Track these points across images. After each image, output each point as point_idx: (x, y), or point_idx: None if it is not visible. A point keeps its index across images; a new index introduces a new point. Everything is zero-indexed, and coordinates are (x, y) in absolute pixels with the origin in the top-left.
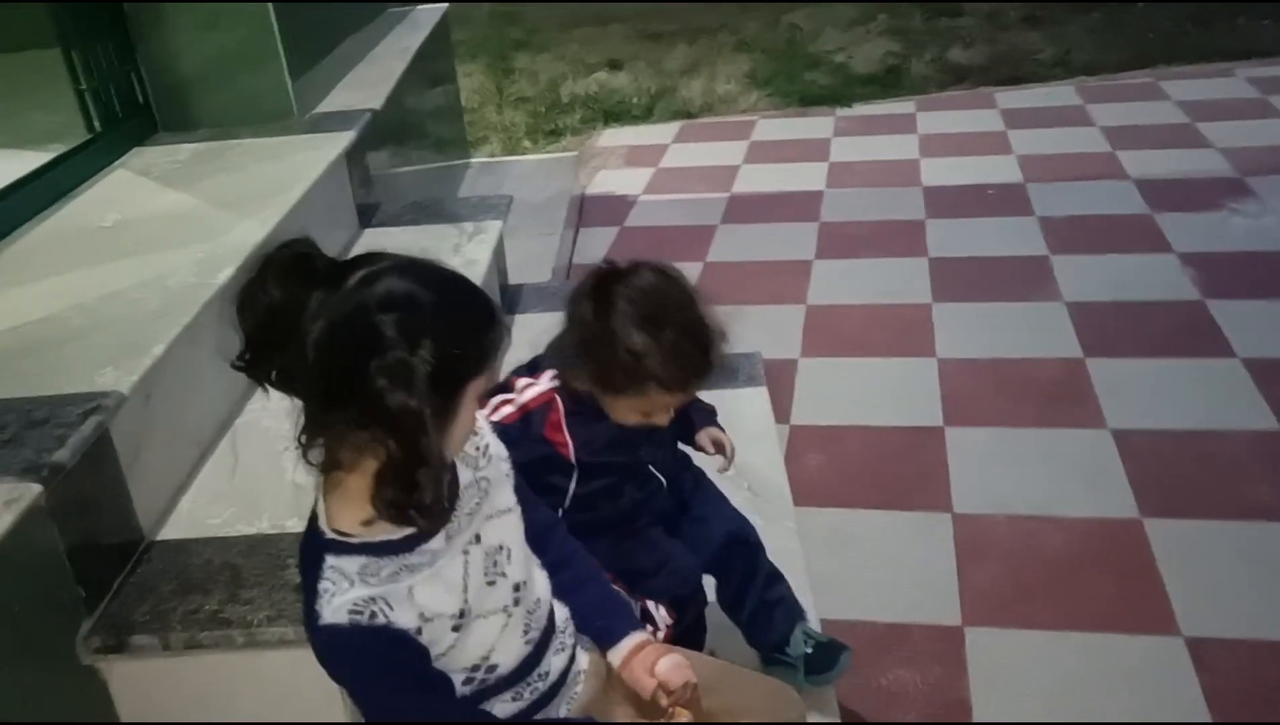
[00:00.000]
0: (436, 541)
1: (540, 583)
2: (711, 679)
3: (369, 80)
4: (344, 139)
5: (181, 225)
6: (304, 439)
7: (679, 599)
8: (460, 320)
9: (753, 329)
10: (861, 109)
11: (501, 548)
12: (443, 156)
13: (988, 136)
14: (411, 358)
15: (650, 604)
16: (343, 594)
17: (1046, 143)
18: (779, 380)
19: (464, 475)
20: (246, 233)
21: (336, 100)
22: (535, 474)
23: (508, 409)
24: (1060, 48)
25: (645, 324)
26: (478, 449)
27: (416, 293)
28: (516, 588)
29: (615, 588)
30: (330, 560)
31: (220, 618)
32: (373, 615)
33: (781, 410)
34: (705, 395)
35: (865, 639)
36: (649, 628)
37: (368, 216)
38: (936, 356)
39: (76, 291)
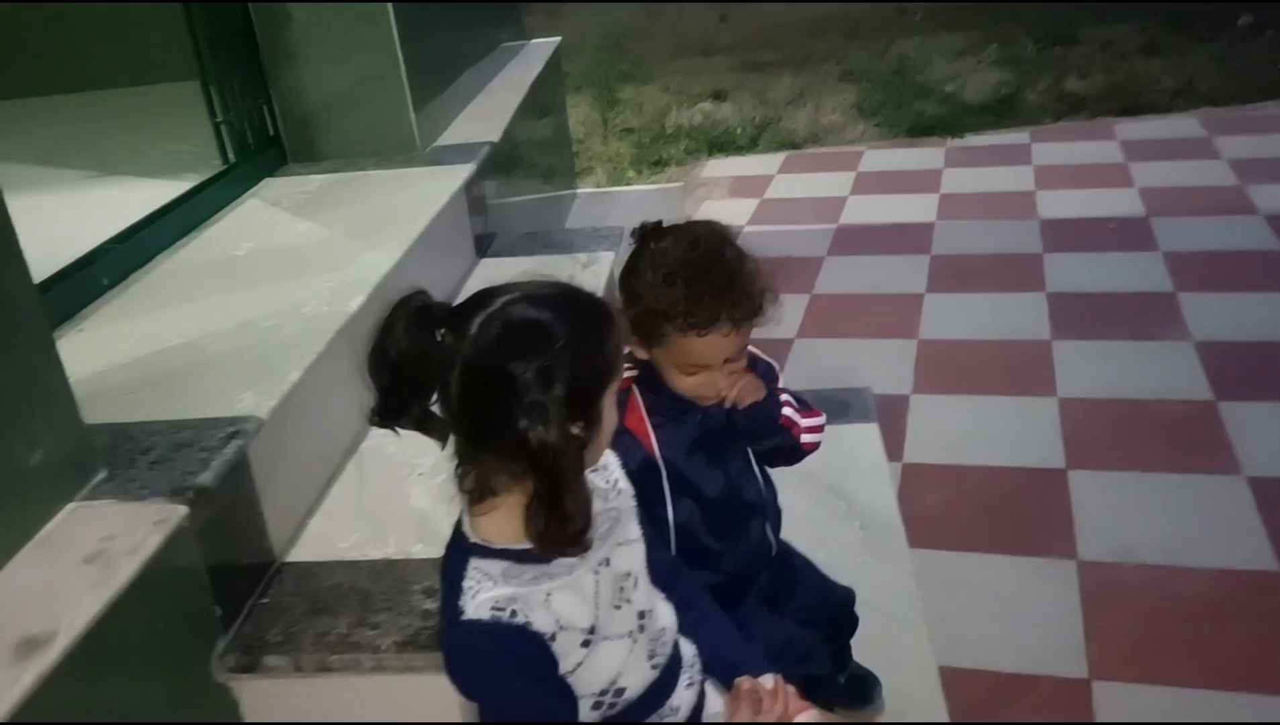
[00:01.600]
0: (573, 558)
1: (665, 614)
2: None
3: (487, 112)
4: (464, 171)
5: (312, 255)
6: (458, 471)
7: (809, 677)
8: (584, 336)
9: (863, 363)
10: (973, 139)
11: (629, 574)
12: (552, 187)
13: (1107, 168)
14: (546, 396)
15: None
16: (487, 591)
17: (1170, 175)
18: (891, 416)
19: (596, 503)
20: (374, 263)
21: (457, 132)
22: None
23: None
24: (1181, 77)
25: (661, 260)
26: (607, 482)
27: (537, 323)
28: (641, 614)
29: (739, 631)
30: (475, 562)
31: (349, 641)
32: (514, 614)
33: (894, 448)
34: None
35: (987, 688)
36: None
37: (484, 246)
38: (1057, 395)
39: (214, 319)
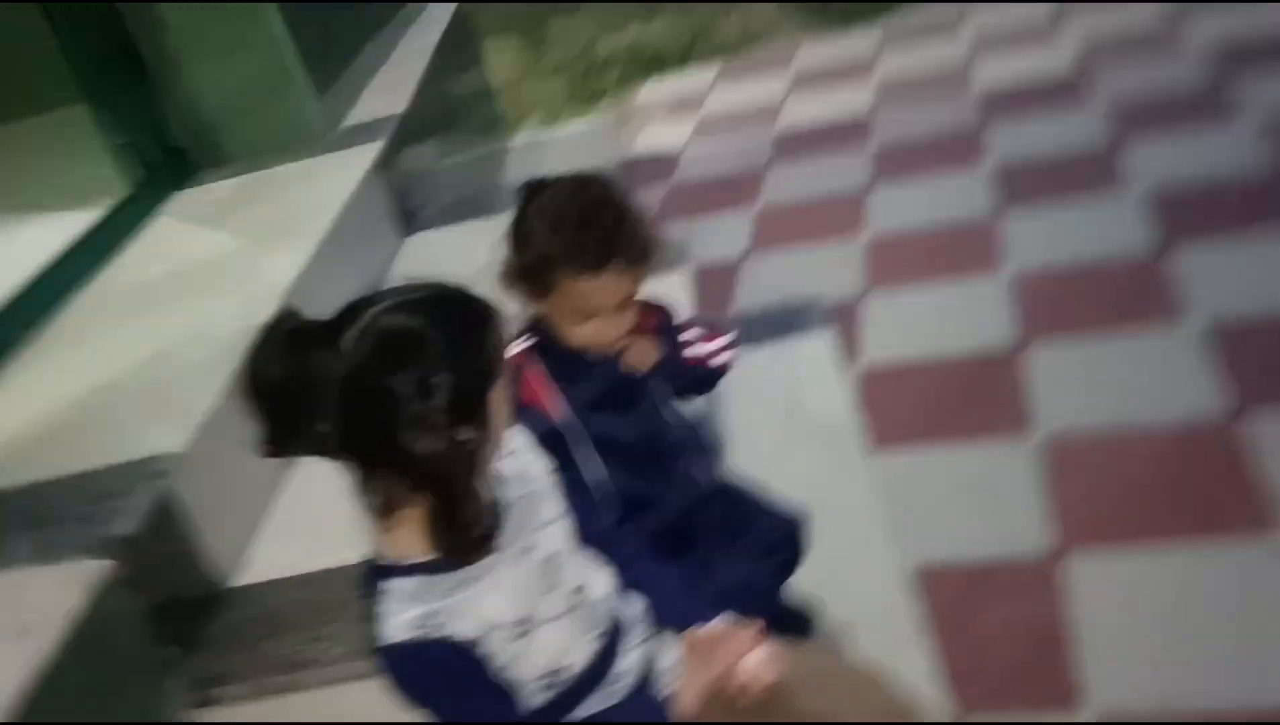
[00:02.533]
0: (490, 556)
1: (600, 582)
2: (809, 674)
3: (391, 85)
4: (372, 151)
5: (222, 270)
6: (357, 492)
7: (775, 619)
8: (461, 338)
9: (815, 272)
10: (907, 13)
11: (554, 555)
12: (481, 145)
13: (1045, 26)
14: (427, 406)
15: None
16: (404, 612)
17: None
18: (846, 322)
19: (511, 489)
20: (284, 269)
21: (364, 110)
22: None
23: None
24: None
25: (548, 209)
26: (518, 466)
27: (410, 331)
28: (574, 591)
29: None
30: (387, 584)
31: (304, 658)
32: (436, 628)
33: (851, 353)
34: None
35: (957, 583)
36: None
37: (410, 222)
38: (1007, 271)
39: (127, 354)
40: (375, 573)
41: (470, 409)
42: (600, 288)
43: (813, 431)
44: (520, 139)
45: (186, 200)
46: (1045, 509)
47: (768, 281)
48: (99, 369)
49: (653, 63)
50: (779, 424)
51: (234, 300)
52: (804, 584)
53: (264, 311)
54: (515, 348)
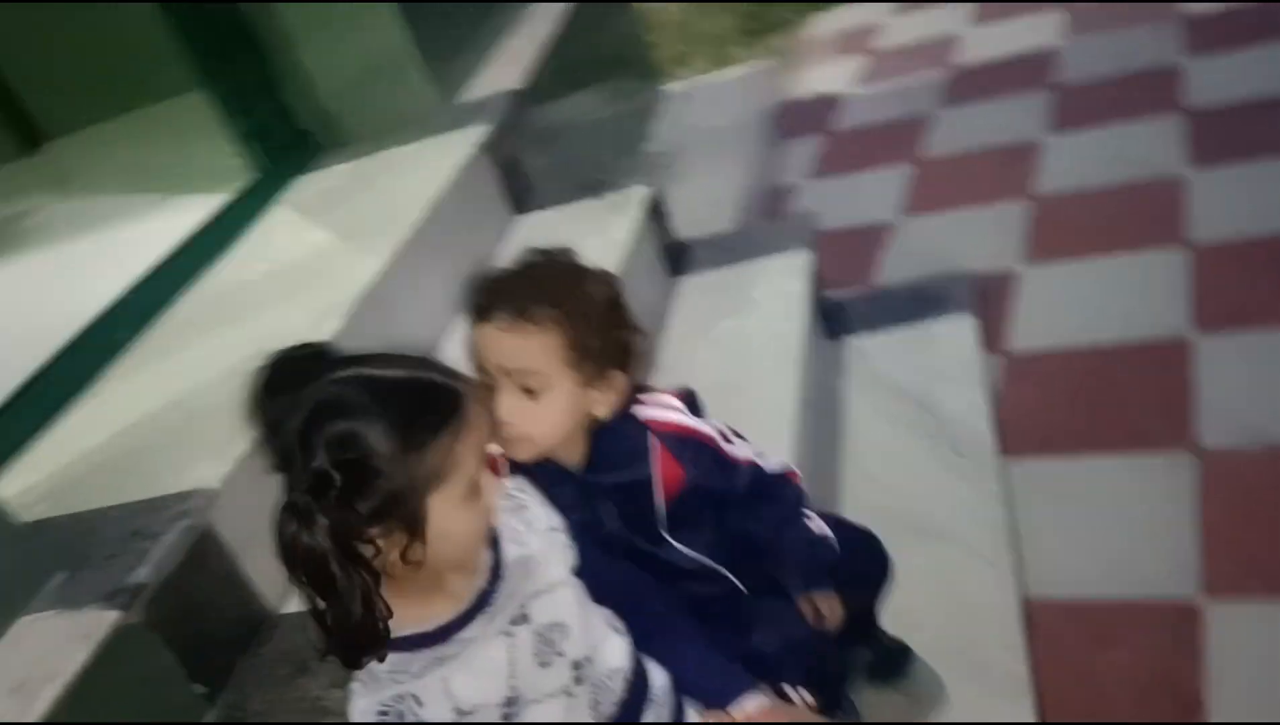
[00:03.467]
0: (473, 628)
1: (614, 653)
2: None
3: (513, 54)
4: (477, 133)
5: (312, 270)
6: None
7: (815, 674)
8: (398, 436)
9: (969, 238)
10: None
11: (555, 624)
12: (620, 103)
13: None
14: (305, 501)
15: (786, 687)
16: (371, 694)
17: None
18: (995, 299)
19: (510, 550)
20: (362, 273)
21: (483, 84)
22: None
23: None
24: None
25: None
26: (523, 522)
27: (341, 411)
28: (577, 665)
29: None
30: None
31: (321, 705)
32: (400, 715)
33: (997, 336)
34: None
35: (1077, 624)
36: None
37: (522, 201)
38: (1189, 242)
39: (205, 368)
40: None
41: (389, 511)
42: (481, 338)
43: (941, 427)
44: (676, 86)
45: (305, 186)
46: (1195, 544)
47: (916, 248)
48: (177, 384)
49: None
50: (906, 415)
51: (309, 308)
52: (901, 603)
53: (329, 323)
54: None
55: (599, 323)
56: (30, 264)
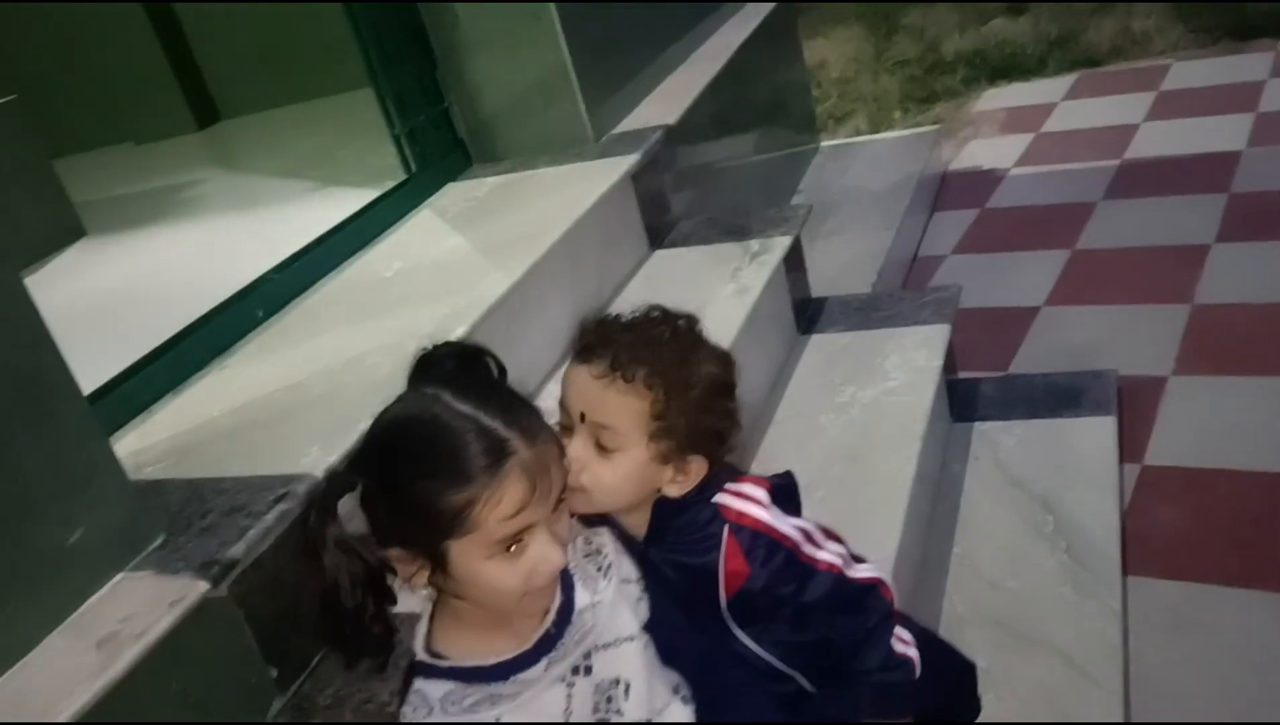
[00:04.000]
0: (534, 671)
1: (677, 716)
2: None
3: (672, 93)
4: (624, 163)
5: (447, 274)
6: None
7: None
8: (409, 479)
9: (1119, 337)
10: None
11: (618, 681)
12: (774, 151)
13: None
14: (328, 494)
15: None
16: (421, 720)
17: None
18: (1139, 405)
19: (581, 597)
20: (494, 284)
21: (637, 118)
22: None
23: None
24: None
25: None
26: (599, 569)
27: (385, 435)
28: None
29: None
30: (417, 684)
31: (387, 710)
32: None
33: (1136, 446)
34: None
35: None
36: None
37: (660, 237)
38: None
39: (330, 354)
40: (411, 666)
41: (399, 540)
42: (571, 377)
43: (1063, 531)
44: (833, 142)
45: (454, 193)
46: None
47: (1060, 340)
48: (303, 367)
49: (1002, 66)
50: (1027, 511)
51: (438, 312)
52: (997, 711)
53: (458, 329)
54: None
55: (696, 404)
56: (188, 233)
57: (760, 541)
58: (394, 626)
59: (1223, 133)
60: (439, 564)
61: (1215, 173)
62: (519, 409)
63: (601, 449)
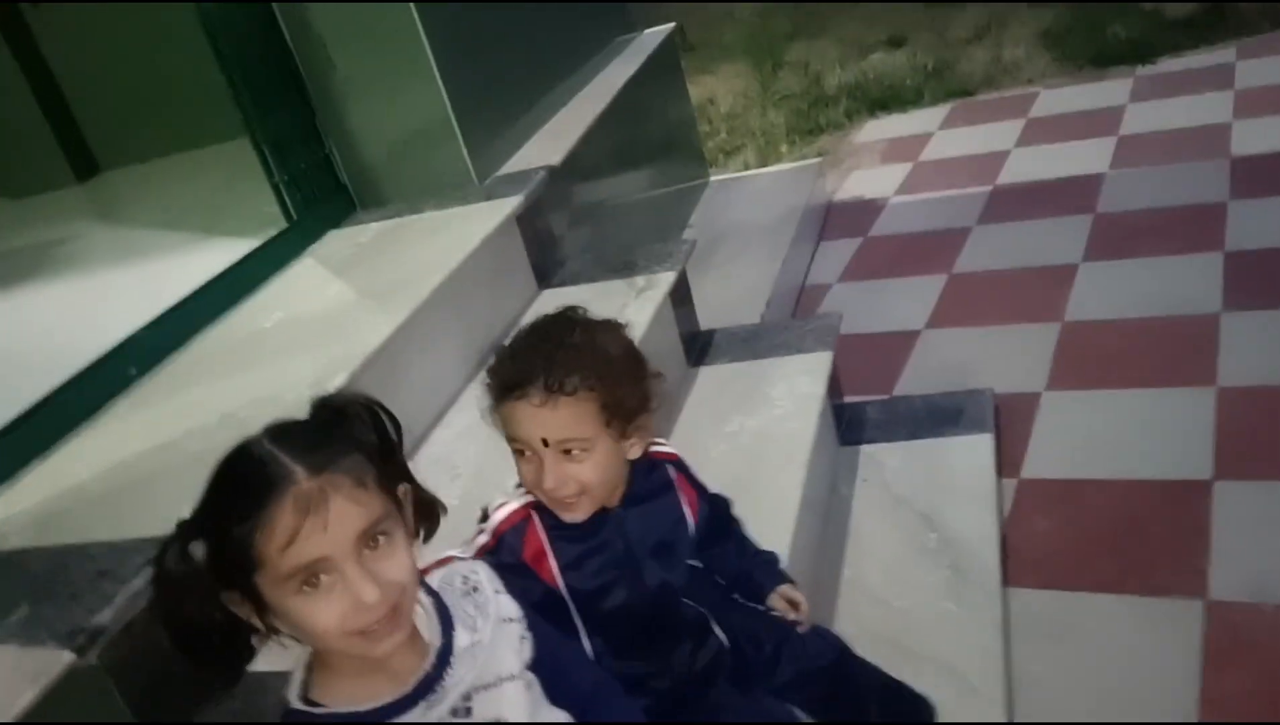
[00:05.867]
0: (412, 714)
1: None
2: None
3: (557, 131)
4: (508, 205)
5: (328, 323)
6: None
7: None
8: (215, 508)
9: (994, 356)
10: (1167, 64)
11: (498, 719)
12: (663, 187)
13: None
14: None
15: None
16: None
17: None
18: (1015, 421)
19: (460, 638)
20: (376, 330)
21: (522, 159)
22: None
23: (482, 538)
24: None
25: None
26: (477, 608)
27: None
28: None
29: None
30: None
31: None
32: None
33: (1014, 460)
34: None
35: None
36: None
37: (548, 276)
38: (1217, 384)
39: (205, 411)
40: (285, 714)
41: (223, 579)
42: (519, 415)
43: (946, 547)
44: (720, 177)
45: (336, 240)
46: (1193, 695)
47: (940, 361)
48: (176, 426)
49: (882, 98)
50: (912, 529)
51: (315, 362)
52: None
53: (335, 379)
54: (514, 501)
55: (624, 377)
56: (62, 289)
57: (688, 468)
58: (247, 650)
59: (1087, 156)
60: (259, 605)
61: (1081, 194)
62: (324, 446)
63: (569, 457)
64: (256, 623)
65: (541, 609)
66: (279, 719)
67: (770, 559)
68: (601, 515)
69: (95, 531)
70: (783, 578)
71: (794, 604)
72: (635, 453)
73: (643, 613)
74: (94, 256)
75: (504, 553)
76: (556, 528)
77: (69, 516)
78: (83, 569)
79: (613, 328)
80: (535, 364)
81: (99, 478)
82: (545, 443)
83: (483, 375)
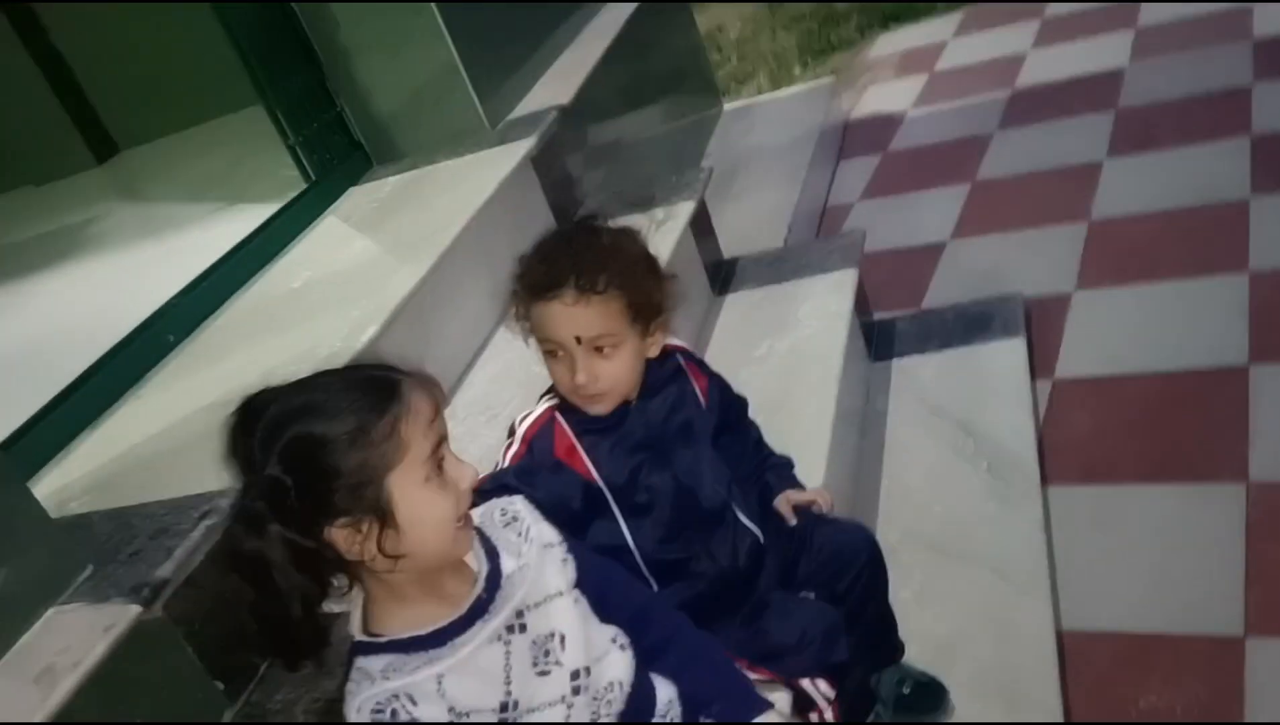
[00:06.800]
0: (469, 634)
1: (616, 666)
2: None
3: (565, 72)
4: (521, 148)
5: (355, 279)
6: None
7: (833, 667)
8: (340, 427)
9: (1022, 260)
10: None
11: (553, 634)
12: (676, 119)
13: None
14: (258, 507)
15: (806, 683)
16: (365, 691)
17: None
18: (1047, 323)
19: (507, 564)
20: (402, 282)
21: (532, 101)
22: (576, 521)
23: (513, 449)
24: None
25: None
26: (519, 535)
27: (277, 424)
28: (575, 675)
29: (734, 666)
30: (358, 662)
31: (337, 706)
32: (394, 713)
33: (1047, 361)
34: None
35: (1115, 656)
36: (814, 715)
37: (567, 217)
38: (1249, 269)
39: (243, 372)
40: (351, 648)
41: (353, 500)
42: (552, 316)
43: (983, 451)
44: (734, 104)
45: (356, 197)
46: (1239, 579)
47: (968, 270)
48: (219, 387)
49: (894, 11)
50: (948, 437)
51: (347, 317)
52: (932, 627)
53: (366, 332)
54: (537, 408)
55: (647, 277)
56: (94, 267)
57: (697, 357)
58: (325, 624)
59: (1106, 52)
60: (385, 515)
61: (1102, 91)
62: (362, 363)
63: (600, 353)
64: (376, 550)
65: (583, 503)
66: (347, 652)
67: (783, 463)
68: (623, 407)
69: (151, 491)
70: (792, 482)
71: (797, 508)
72: (655, 350)
73: (676, 497)
74: (122, 234)
75: (537, 454)
76: (582, 423)
77: (125, 479)
78: (142, 527)
79: (631, 233)
80: (565, 266)
81: (149, 441)
82: (578, 341)
83: (509, 282)
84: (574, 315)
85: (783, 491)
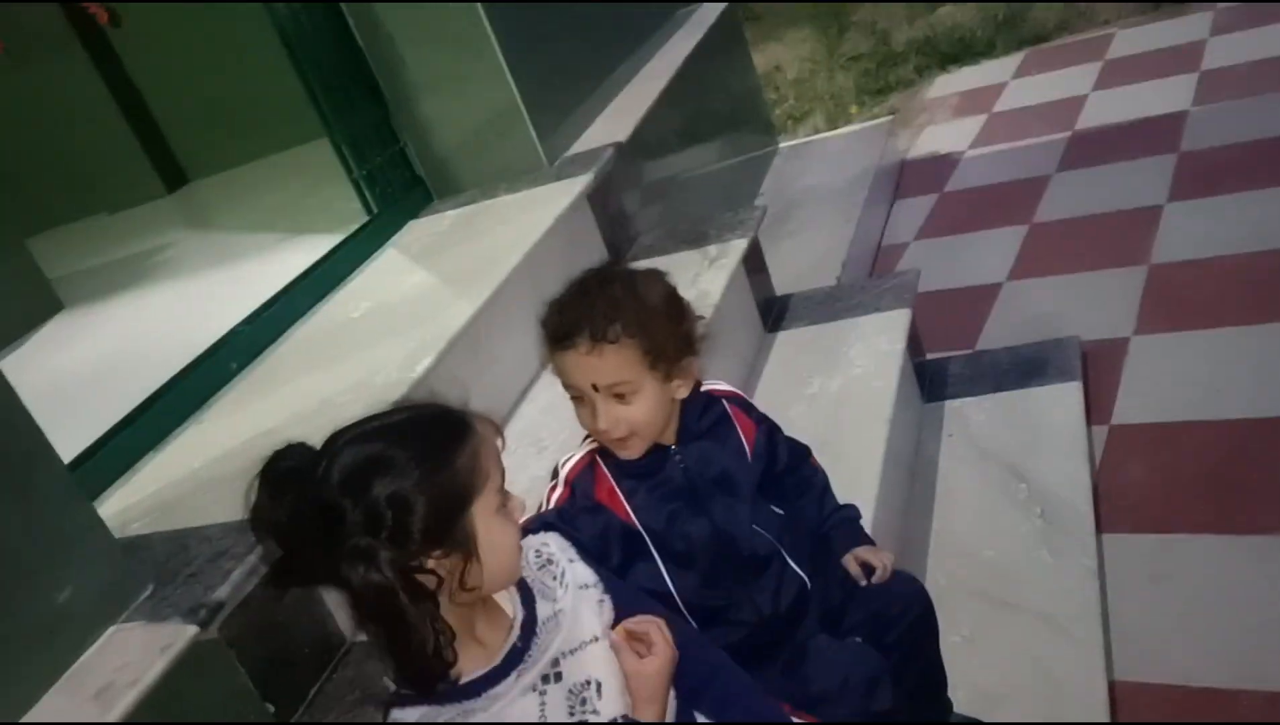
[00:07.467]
0: (504, 685)
1: None
2: None
3: (623, 109)
4: (578, 184)
5: (413, 309)
6: None
7: (876, 715)
8: (423, 460)
9: (1080, 303)
10: None
11: (589, 682)
12: (732, 157)
13: None
14: (367, 542)
15: None
16: None
17: None
18: (1105, 368)
19: (542, 609)
20: (458, 314)
21: (590, 138)
22: (619, 560)
23: (557, 492)
24: None
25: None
26: (555, 578)
27: (368, 460)
28: (613, 723)
29: (776, 708)
30: (393, 714)
31: None
32: None
33: (1104, 407)
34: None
35: (1167, 706)
36: None
37: (622, 252)
38: None
39: (304, 399)
40: (387, 700)
41: (440, 531)
42: (569, 364)
43: (1036, 496)
44: (790, 143)
45: (417, 230)
46: None
47: (1024, 312)
48: (276, 415)
49: (953, 52)
50: (1000, 481)
51: (403, 347)
52: (981, 676)
53: (421, 363)
54: (579, 451)
55: (666, 321)
56: (162, 295)
57: (748, 403)
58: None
59: (1168, 94)
60: (470, 546)
61: (1164, 134)
62: (414, 402)
63: (621, 399)
64: (457, 584)
65: (623, 545)
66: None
67: (850, 515)
68: (661, 452)
69: (209, 515)
70: (860, 537)
71: (868, 568)
72: (683, 393)
73: (714, 545)
74: (189, 262)
75: (579, 497)
76: (620, 467)
77: (184, 502)
78: (201, 549)
79: (653, 277)
80: (579, 315)
81: (209, 465)
82: (595, 388)
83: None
84: (589, 364)
85: (851, 549)
